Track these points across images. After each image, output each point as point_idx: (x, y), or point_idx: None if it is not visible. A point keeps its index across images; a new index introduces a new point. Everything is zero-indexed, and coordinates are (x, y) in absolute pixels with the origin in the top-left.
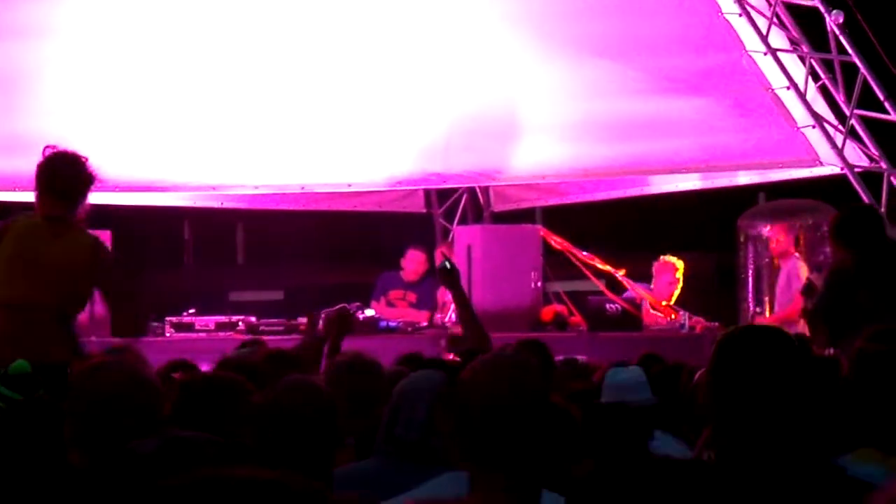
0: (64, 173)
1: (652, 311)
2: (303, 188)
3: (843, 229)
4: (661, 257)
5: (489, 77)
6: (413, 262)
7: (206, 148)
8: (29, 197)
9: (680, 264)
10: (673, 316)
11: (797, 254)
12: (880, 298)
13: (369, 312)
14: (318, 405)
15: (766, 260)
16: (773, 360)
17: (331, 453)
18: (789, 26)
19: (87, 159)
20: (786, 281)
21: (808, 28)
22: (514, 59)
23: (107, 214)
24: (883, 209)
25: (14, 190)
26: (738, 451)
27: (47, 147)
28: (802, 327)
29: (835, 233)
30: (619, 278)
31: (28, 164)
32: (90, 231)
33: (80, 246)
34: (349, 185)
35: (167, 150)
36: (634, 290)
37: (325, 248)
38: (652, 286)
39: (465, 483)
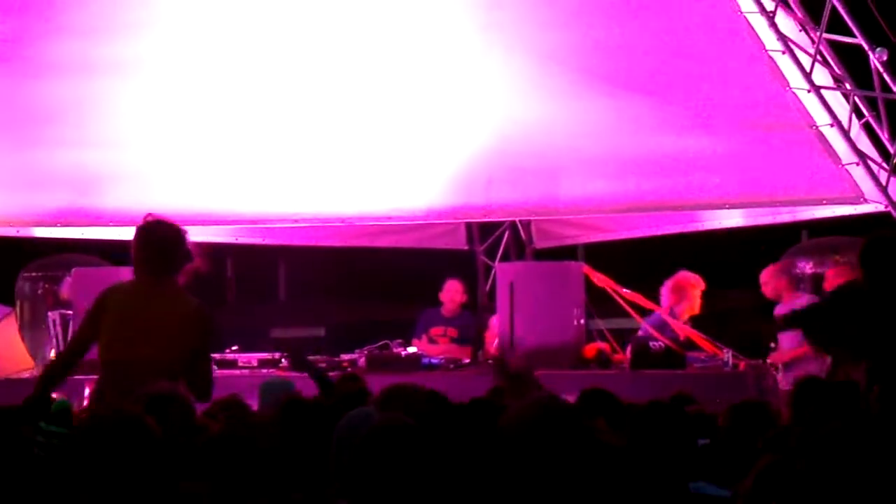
0: (160, 252)
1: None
2: (343, 221)
3: (866, 254)
4: (681, 273)
5: (533, 111)
6: (451, 293)
7: (245, 181)
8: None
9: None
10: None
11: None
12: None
13: (411, 350)
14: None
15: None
16: None
17: None
18: (833, 63)
19: (186, 233)
20: None
21: (851, 65)
22: (558, 95)
23: None
24: None
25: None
26: None
27: (148, 215)
28: (816, 367)
29: (859, 257)
30: (664, 316)
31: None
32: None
33: (183, 304)
34: (389, 218)
35: (205, 183)
36: (677, 327)
37: (366, 284)
38: (673, 307)
39: None
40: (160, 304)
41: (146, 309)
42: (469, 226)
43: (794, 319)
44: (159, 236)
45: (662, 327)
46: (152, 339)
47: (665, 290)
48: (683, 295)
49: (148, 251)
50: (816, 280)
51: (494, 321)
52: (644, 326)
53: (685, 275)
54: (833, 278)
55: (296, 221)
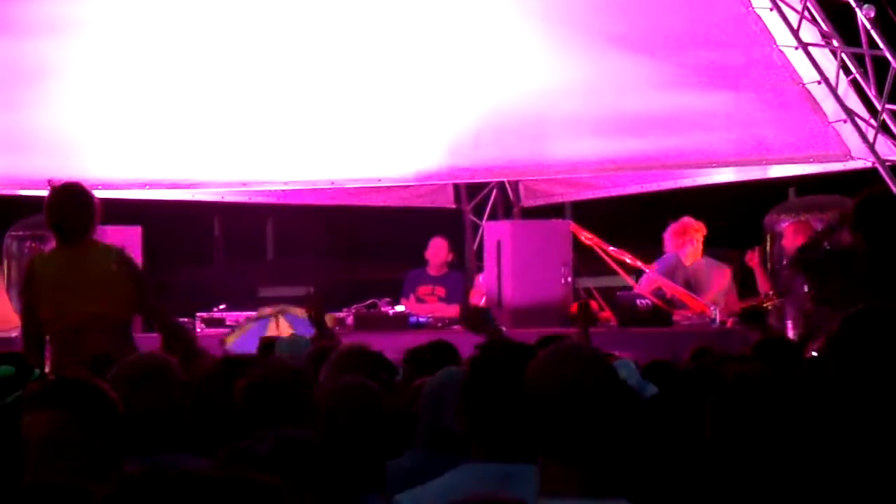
0: (69, 213)
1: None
2: (332, 183)
3: (860, 212)
4: (684, 218)
5: (519, 72)
6: (436, 251)
7: (235, 144)
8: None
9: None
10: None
11: None
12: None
13: (399, 308)
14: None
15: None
16: None
17: (381, 448)
18: (820, 20)
19: (89, 191)
20: None
21: (839, 22)
22: (544, 54)
23: (137, 211)
24: None
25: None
26: None
27: (50, 180)
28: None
29: (853, 214)
30: (650, 273)
31: (43, 162)
32: (121, 228)
33: (104, 256)
34: (379, 180)
35: (196, 147)
36: (664, 285)
37: (354, 243)
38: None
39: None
40: (87, 262)
41: (76, 271)
42: (457, 185)
43: (806, 265)
44: (64, 202)
45: (674, 271)
46: (93, 298)
47: (668, 236)
48: (687, 239)
49: (57, 218)
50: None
51: (479, 280)
52: (630, 283)
53: (688, 219)
54: (792, 235)
55: (286, 184)
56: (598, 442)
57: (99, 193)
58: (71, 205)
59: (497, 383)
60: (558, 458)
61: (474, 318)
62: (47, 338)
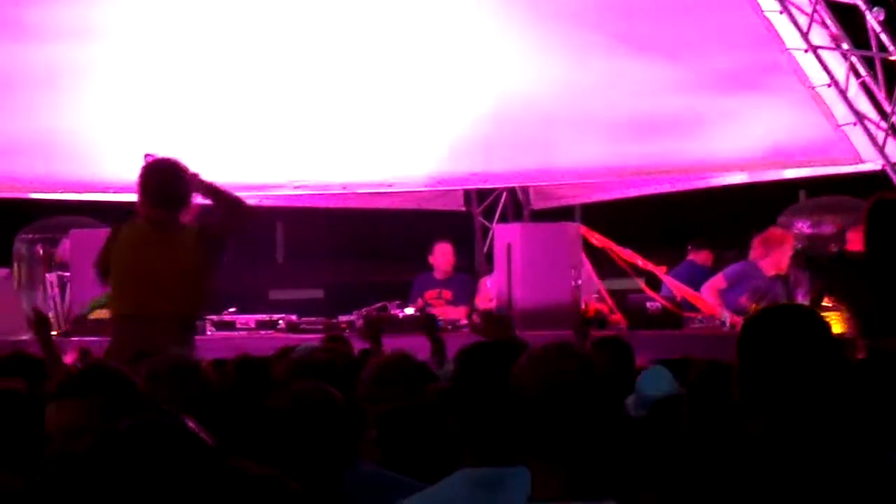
0: (165, 183)
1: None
2: (344, 188)
3: (869, 216)
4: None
5: (531, 76)
6: (441, 256)
7: (248, 148)
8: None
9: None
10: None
11: None
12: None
13: (409, 311)
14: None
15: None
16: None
17: (340, 459)
18: (830, 24)
19: (186, 167)
20: None
21: (848, 25)
22: (555, 58)
23: None
24: None
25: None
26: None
27: (147, 154)
28: None
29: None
30: (661, 276)
31: (58, 166)
32: None
33: (187, 246)
34: (391, 185)
35: (208, 151)
36: (675, 287)
37: (364, 246)
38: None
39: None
40: (176, 251)
41: (161, 259)
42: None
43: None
44: (161, 172)
45: (747, 275)
46: (171, 295)
47: (755, 242)
48: (769, 250)
49: (150, 186)
50: (814, 240)
51: (485, 283)
52: (641, 286)
53: (774, 230)
54: (854, 241)
55: (297, 188)
56: (582, 442)
57: (113, 197)
58: (173, 177)
59: (484, 385)
60: (544, 458)
61: (493, 326)
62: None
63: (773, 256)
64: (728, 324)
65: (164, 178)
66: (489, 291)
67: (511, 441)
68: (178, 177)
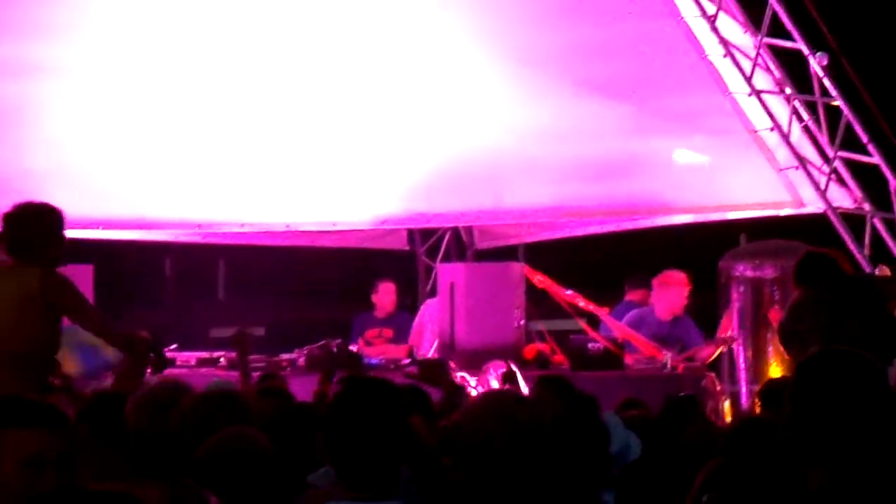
0: (17, 230)
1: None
2: (288, 226)
3: (799, 272)
4: (666, 272)
5: (475, 117)
6: (384, 294)
7: (191, 185)
8: None
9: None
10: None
11: None
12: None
13: (352, 349)
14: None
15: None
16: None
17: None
18: (773, 68)
19: (49, 211)
20: None
21: (792, 70)
22: (499, 100)
23: (88, 249)
24: (866, 251)
25: None
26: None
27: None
28: None
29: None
30: (602, 317)
31: None
32: (73, 266)
33: (19, 285)
34: (334, 224)
35: (151, 188)
36: (616, 328)
37: (306, 284)
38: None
39: None
40: (6, 284)
41: None
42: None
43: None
44: (22, 220)
45: (643, 321)
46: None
47: (653, 285)
48: (663, 293)
49: (5, 233)
50: (755, 284)
51: (417, 321)
52: (583, 327)
53: (669, 273)
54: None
55: (241, 226)
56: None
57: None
58: (22, 220)
59: (358, 420)
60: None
61: (430, 371)
62: None
63: (667, 299)
64: (669, 365)
65: (17, 226)
66: (417, 328)
67: (388, 476)
68: (31, 226)
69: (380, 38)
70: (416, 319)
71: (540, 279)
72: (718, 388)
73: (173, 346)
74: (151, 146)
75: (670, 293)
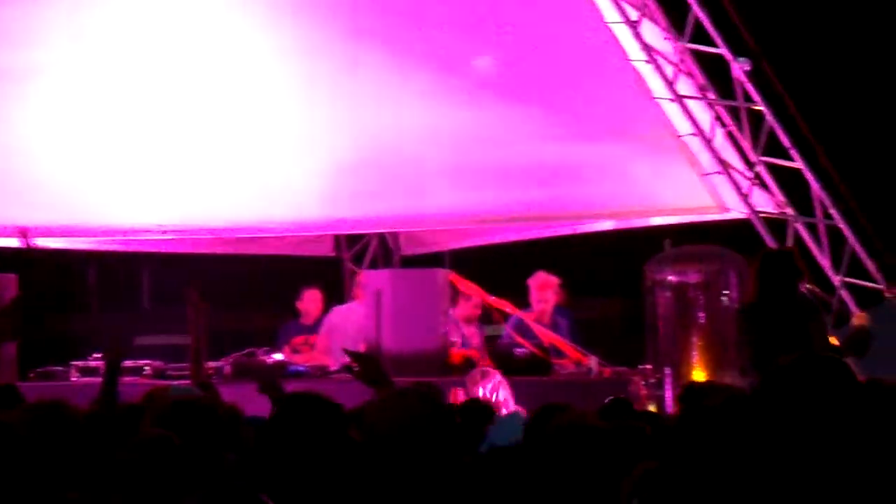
0: None
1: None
2: (211, 233)
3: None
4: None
5: (400, 123)
6: (310, 302)
7: (111, 191)
8: None
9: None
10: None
11: None
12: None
13: (278, 357)
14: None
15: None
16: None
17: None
18: (696, 74)
19: None
20: None
21: (715, 75)
22: (425, 106)
23: (12, 258)
24: None
25: None
26: None
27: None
28: None
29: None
30: (529, 322)
31: None
32: None
33: None
34: (259, 230)
35: (71, 193)
36: (543, 334)
37: (232, 292)
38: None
39: None
40: None
41: None
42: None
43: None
44: None
45: (523, 330)
46: None
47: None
48: (532, 294)
49: None
50: (680, 289)
51: (323, 330)
52: (507, 331)
53: (538, 274)
54: None
55: (164, 233)
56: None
57: None
58: None
59: (300, 439)
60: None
61: (367, 369)
62: None
63: (535, 300)
64: (595, 370)
65: None
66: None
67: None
68: None
69: (294, 40)
70: (323, 325)
71: (467, 285)
72: (644, 392)
73: (97, 355)
74: (71, 154)
75: (534, 295)
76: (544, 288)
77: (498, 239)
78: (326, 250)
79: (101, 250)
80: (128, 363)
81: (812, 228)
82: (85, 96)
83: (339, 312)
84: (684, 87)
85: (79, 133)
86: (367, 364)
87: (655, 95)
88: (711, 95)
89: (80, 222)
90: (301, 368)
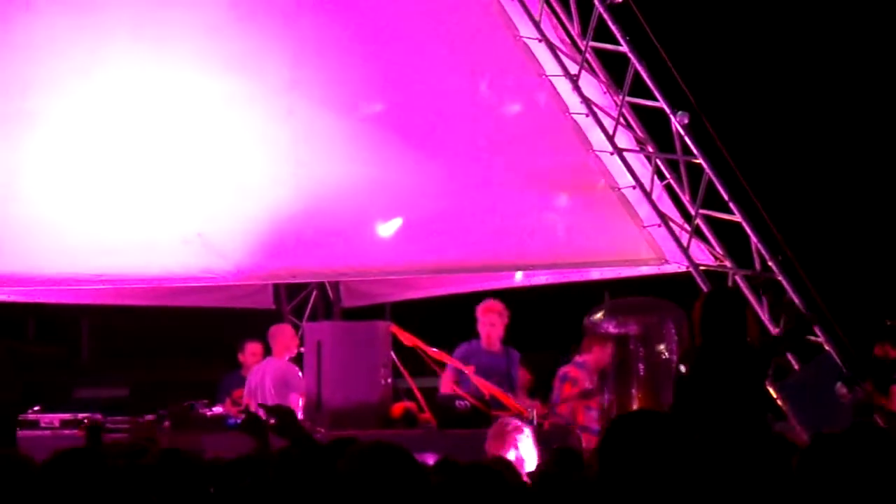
0: None
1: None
2: (148, 282)
3: (705, 311)
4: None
5: (342, 172)
6: (251, 354)
7: (47, 239)
8: None
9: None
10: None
11: None
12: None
13: (217, 409)
14: None
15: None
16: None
17: None
18: (635, 126)
19: None
20: None
21: (653, 128)
22: (368, 156)
23: None
24: None
25: None
26: None
27: None
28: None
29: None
30: (469, 374)
31: None
32: None
33: None
34: (197, 279)
35: (5, 243)
36: (482, 385)
37: (172, 344)
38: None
39: None
40: None
41: None
42: (277, 285)
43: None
44: None
45: (463, 382)
46: None
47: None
48: (480, 320)
49: None
50: (620, 340)
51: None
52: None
53: (485, 301)
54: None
55: (102, 283)
56: None
57: None
58: None
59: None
60: None
61: (283, 422)
62: None
63: (481, 328)
64: (535, 421)
65: None
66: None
67: None
68: None
69: (237, 89)
70: (249, 380)
71: (407, 337)
72: (585, 444)
73: (37, 408)
74: (6, 203)
75: (480, 320)
76: (488, 312)
77: (439, 291)
78: (267, 303)
79: (40, 302)
80: (66, 416)
81: (751, 280)
82: (20, 144)
83: (264, 366)
84: (623, 139)
85: (14, 181)
86: (283, 417)
87: (595, 148)
88: (650, 148)
89: (16, 272)
90: (240, 420)
